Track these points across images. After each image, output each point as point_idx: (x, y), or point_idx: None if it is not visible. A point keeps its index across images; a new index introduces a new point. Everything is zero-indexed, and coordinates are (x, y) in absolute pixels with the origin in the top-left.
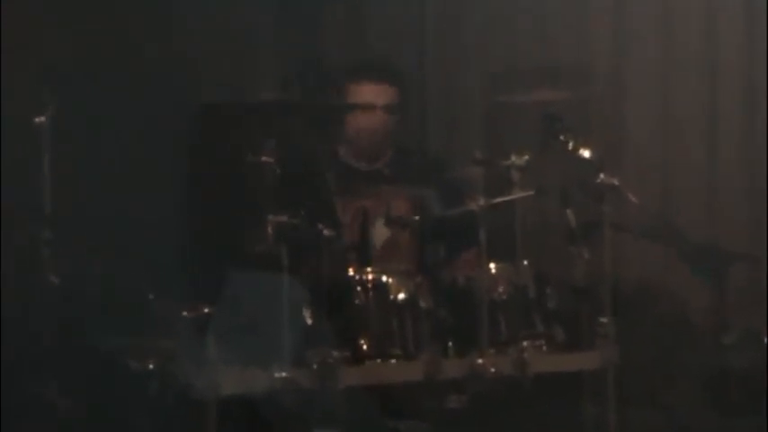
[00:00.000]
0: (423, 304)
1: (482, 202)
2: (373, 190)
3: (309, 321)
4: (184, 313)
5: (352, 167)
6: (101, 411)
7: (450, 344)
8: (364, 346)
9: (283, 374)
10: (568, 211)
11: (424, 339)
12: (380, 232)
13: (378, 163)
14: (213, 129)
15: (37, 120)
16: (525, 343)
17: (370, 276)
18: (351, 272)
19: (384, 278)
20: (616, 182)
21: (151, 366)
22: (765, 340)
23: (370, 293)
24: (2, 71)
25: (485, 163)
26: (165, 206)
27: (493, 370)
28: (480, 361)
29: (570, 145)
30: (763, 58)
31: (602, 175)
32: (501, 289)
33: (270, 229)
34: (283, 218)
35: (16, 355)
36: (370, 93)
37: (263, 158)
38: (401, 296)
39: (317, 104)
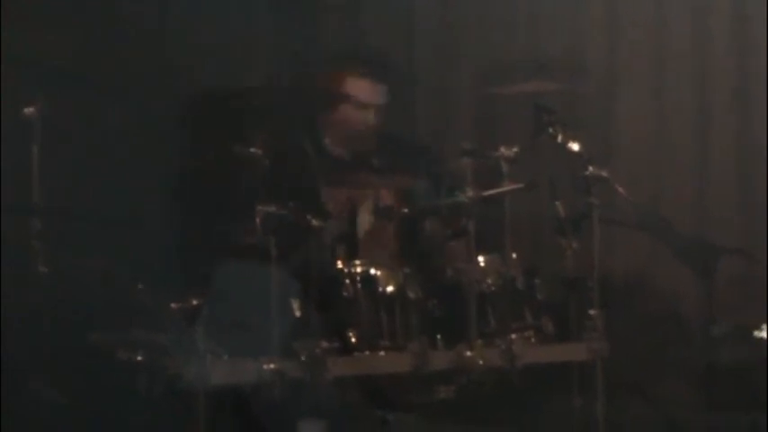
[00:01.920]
0: (411, 296)
1: (471, 193)
2: (361, 180)
3: (298, 313)
4: (173, 305)
5: (337, 157)
6: (91, 403)
7: (439, 336)
8: (353, 338)
9: (272, 366)
10: (557, 203)
11: (412, 331)
12: (367, 222)
13: (362, 154)
14: (203, 120)
15: (27, 111)
16: (514, 335)
17: (358, 269)
18: (339, 264)
19: (372, 270)
20: (605, 174)
21: (141, 358)
22: (757, 333)
23: (359, 285)
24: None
25: (474, 154)
26: (155, 198)
27: (481, 362)
28: (469, 353)
29: (559, 137)
30: (755, 51)
31: (591, 168)
32: (490, 281)
33: (258, 220)
34: (272, 208)
35: (6, 347)
36: (356, 87)
37: (252, 150)
38: (389, 288)
39: (304, 96)
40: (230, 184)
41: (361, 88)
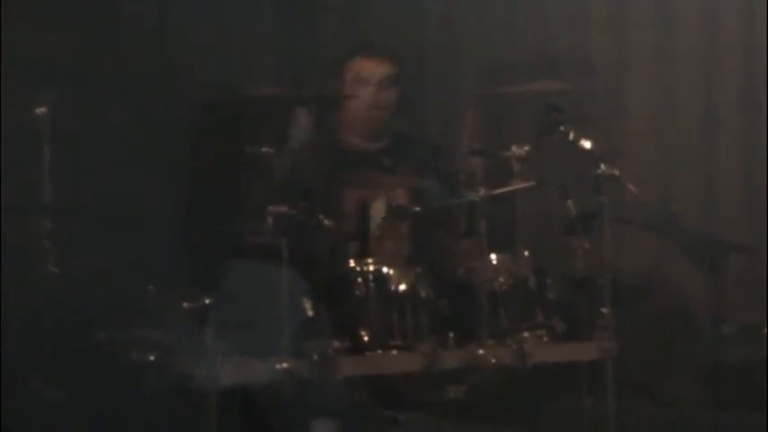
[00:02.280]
0: (423, 295)
1: (482, 192)
2: (373, 179)
3: (310, 312)
4: (184, 305)
5: (352, 150)
6: (99, 403)
7: (451, 335)
8: (365, 337)
9: (283, 365)
10: (568, 202)
11: (424, 330)
12: (379, 221)
13: (378, 144)
14: (212, 119)
15: (38, 111)
16: (525, 334)
17: (371, 268)
18: (351, 263)
19: (385, 269)
20: (616, 172)
21: (151, 358)
22: (765, 332)
23: (371, 285)
24: (2, 67)
25: (484, 153)
26: (165, 197)
27: (493, 361)
28: (480, 352)
29: (571, 135)
30: (762, 49)
31: (602, 166)
32: (501, 280)
33: (270, 220)
34: (283, 208)
35: (14, 346)
36: (368, 67)
37: (263, 149)
38: (402, 287)
39: (316, 92)
40: (241, 183)
41: (360, 66)
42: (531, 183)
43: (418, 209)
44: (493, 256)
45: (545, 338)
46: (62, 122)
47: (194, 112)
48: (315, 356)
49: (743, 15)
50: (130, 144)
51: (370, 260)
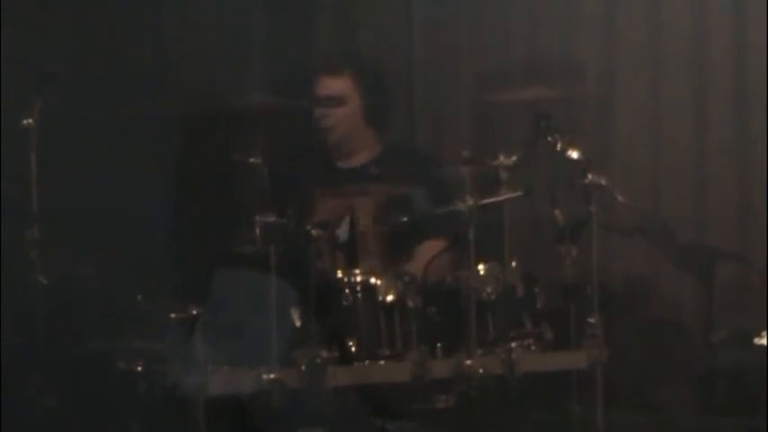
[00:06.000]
0: (411, 304)
1: (470, 201)
2: (361, 188)
3: (298, 322)
4: (173, 314)
5: (335, 166)
6: (89, 412)
7: (439, 344)
8: (353, 347)
9: (272, 375)
10: (556, 211)
11: (412, 340)
12: (365, 230)
13: (355, 161)
14: (200, 129)
15: (25, 121)
16: (513, 343)
17: (358, 278)
18: (339, 273)
19: (372, 279)
20: (603, 182)
21: (139, 368)
22: (756, 340)
23: (359, 294)
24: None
25: (473, 162)
26: (154, 207)
27: (481, 370)
28: (469, 361)
29: (558, 145)
30: (754, 52)
31: (589, 175)
32: (489, 289)
33: (258, 230)
34: (271, 218)
35: (4, 355)
36: (325, 86)
37: (251, 159)
38: (389, 297)
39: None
40: (229, 192)
41: (317, 83)
42: (519, 192)
43: (406, 218)
44: (481, 266)
45: (533, 347)
46: (48, 128)
47: (183, 121)
48: (303, 366)
49: (734, 22)
50: (120, 149)
51: (357, 270)
